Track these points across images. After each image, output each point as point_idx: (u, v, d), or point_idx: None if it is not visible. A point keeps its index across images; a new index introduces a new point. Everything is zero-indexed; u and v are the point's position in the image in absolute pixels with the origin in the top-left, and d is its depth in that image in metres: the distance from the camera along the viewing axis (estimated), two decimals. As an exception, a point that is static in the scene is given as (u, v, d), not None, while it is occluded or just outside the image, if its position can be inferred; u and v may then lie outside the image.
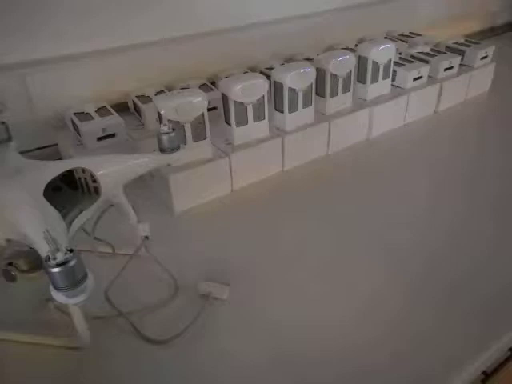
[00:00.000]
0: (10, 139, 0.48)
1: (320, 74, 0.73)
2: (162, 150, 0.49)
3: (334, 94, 0.76)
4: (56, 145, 0.78)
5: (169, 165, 0.59)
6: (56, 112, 0.76)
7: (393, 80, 0.85)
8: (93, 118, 0.72)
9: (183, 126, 0.61)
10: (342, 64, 0.73)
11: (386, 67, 0.81)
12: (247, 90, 0.64)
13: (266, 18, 0.95)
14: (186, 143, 0.62)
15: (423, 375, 0.42)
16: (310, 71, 0.70)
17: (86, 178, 0.47)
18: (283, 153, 0.72)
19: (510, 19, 1.48)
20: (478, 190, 0.68)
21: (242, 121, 0.66)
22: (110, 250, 0.51)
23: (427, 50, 0.96)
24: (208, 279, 0.51)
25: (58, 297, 0.34)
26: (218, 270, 0.53)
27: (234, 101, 0.64)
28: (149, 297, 0.50)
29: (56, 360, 0.44)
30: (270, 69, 0.84)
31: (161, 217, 0.63)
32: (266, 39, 0.93)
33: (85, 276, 0.35)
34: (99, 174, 0.45)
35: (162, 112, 0.59)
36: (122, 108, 0.80)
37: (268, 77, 0.69)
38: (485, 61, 0.96)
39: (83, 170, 0.46)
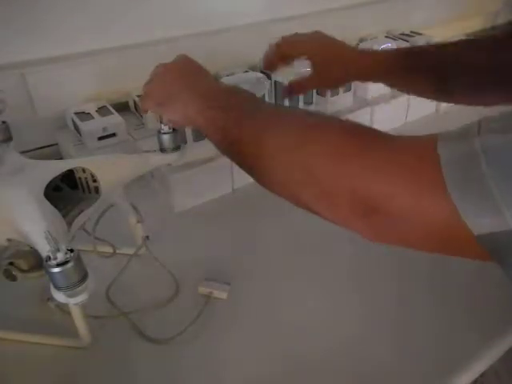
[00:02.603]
0: (10, 139, 0.48)
1: (321, 73, 0.73)
2: (163, 150, 0.49)
3: (334, 93, 0.76)
4: (56, 144, 0.78)
5: (169, 164, 0.59)
6: (56, 111, 0.76)
7: (394, 79, 0.85)
8: (93, 118, 0.72)
9: (184, 125, 0.61)
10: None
11: (387, 66, 0.81)
12: (248, 89, 0.64)
13: (267, 17, 0.94)
14: (186, 143, 0.62)
15: (424, 376, 0.42)
16: (310, 70, 0.70)
17: (86, 178, 0.47)
18: (284, 152, 0.72)
19: (510, 18, 1.47)
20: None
21: (242, 120, 0.66)
22: (111, 250, 0.51)
23: (428, 49, 0.95)
24: (208, 279, 0.51)
25: (59, 296, 0.34)
26: (218, 269, 0.53)
27: (235, 100, 0.64)
28: (149, 296, 0.50)
29: (56, 359, 0.44)
30: (271, 68, 0.84)
31: (161, 216, 0.63)
32: (267, 38, 0.93)
33: (85, 276, 0.35)
34: (99, 173, 0.45)
35: (162, 111, 0.59)
36: (122, 107, 0.80)
37: (268, 76, 0.69)
38: (486, 60, 0.96)
39: (83, 170, 0.46)
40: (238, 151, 0.41)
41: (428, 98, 0.59)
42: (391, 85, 0.59)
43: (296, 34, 0.58)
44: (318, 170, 0.33)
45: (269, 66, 0.60)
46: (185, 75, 0.47)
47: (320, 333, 0.46)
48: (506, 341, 0.45)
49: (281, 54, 0.59)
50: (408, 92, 0.61)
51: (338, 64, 0.57)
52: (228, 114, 0.41)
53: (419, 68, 0.53)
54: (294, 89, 0.62)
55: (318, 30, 0.58)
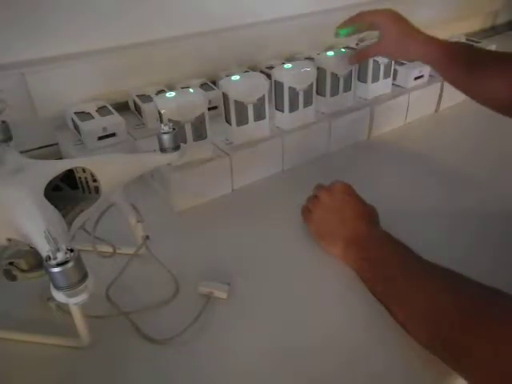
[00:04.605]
0: (10, 138, 0.48)
1: (321, 73, 0.73)
2: (163, 150, 0.49)
3: (334, 93, 0.76)
4: (56, 144, 0.78)
5: (169, 164, 0.60)
6: (56, 111, 0.76)
7: (394, 79, 0.85)
8: (93, 118, 0.72)
9: (184, 125, 0.61)
10: (342, 63, 0.73)
11: (387, 66, 0.81)
12: (248, 89, 0.64)
13: (267, 17, 0.95)
14: (186, 142, 0.62)
15: (425, 376, 0.42)
16: (310, 70, 0.70)
17: (86, 178, 0.47)
18: (283, 152, 0.72)
19: (510, 18, 1.47)
20: (480, 190, 0.67)
21: (242, 120, 0.66)
22: (111, 250, 0.51)
23: (428, 49, 0.95)
24: (208, 279, 0.51)
25: (59, 296, 0.34)
26: (218, 269, 0.53)
27: (235, 100, 0.64)
28: (149, 296, 0.50)
29: (56, 359, 0.44)
30: (271, 68, 0.84)
31: (161, 216, 0.63)
32: (267, 38, 0.93)
33: (85, 276, 0.35)
34: (99, 173, 0.45)
35: (162, 111, 0.59)
36: (122, 107, 0.80)
37: (268, 76, 0.69)
38: (486, 60, 0.96)
39: (83, 170, 0.46)
40: (384, 306, 0.47)
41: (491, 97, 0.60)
42: (447, 78, 0.65)
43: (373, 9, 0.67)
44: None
45: (344, 24, 0.70)
46: (343, 219, 0.54)
47: (321, 333, 0.46)
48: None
49: (359, 17, 0.68)
50: (465, 89, 0.64)
51: (402, 41, 0.65)
52: (376, 269, 0.48)
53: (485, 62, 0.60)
54: (360, 54, 0.71)
55: (391, 8, 0.67)
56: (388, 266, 0.48)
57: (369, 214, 0.55)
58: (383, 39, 0.66)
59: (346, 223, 0.54)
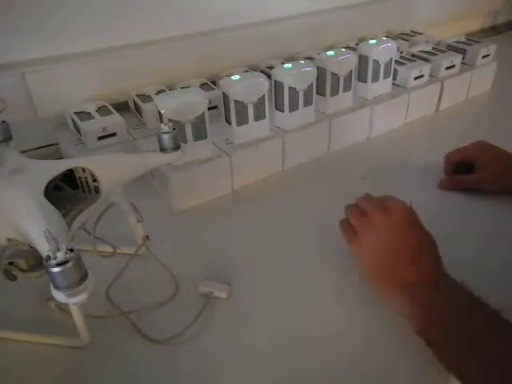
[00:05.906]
0: (10, 138, 0.48)
1: (321, 73, 0.73)
2: (163, 150, 0.49)
3: (334, 93, 0.76)
4: (56, 144, 0.78)
5: (169, 164, 0.59)
6: (56, 111, 0.76)
7: (394, 79, 0.85)
8: (93, 117, 0.72)
9: (184, 125, 0.61)
10: (342, 63, 0.73)
11: (387, 66, 0.81)
12: (248, 89, 0.64)
13: (267, 17, 0.95)
14: (186, 142, 0.62)
15: (423, 375, 0.42)
16: (310, 70, 0.70)
17: (86, 178, 0.47)
18: (283, 152, 0.72)
19: (510, 18, 1.47)
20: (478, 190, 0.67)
21: (242, 120, 0.66)
22: (111, 250, 0.51)
23: (428, 48, 0.95)
24: (208, 279, 0.51)
25: (59, 296, 0.34)
26: (218, 269, 0.53)
27: (235, 100, 0.64)
28: (149, 296, 0.50)
29: (56, 359, 0.44)
30: (271, 68, 0.84)
31: (161, 216, 0.63)
32: (267, 38, 0.93)
33: (85, 275, 0.35)
34: (99, 173, 0.45)
35: (162, 111, 0.59)
36: (122, 107, 0.80)
37: (269, 76, 0.69)
38: (486, 59, 0.96)
39: (83, 170, 0.46)
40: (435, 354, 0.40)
41: None
42: None
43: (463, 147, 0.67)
44: None
45: (448, 176, 0.69)
46: (406, 254, 0.44)
47: (321, 333, 0.46)
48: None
49: (451, 161, 0.68)
50: None
51: (495, 168, 0.64)
52: (427, 323, 0.41)
53: None
54: (453, 183, 0.68)
55: (481, 140, 0.67)
56: (462, 326, 0.40)
57: (430, 247, 0.45)
58: (475, 171, 0.65)
59: (410, 259, 0.44)
